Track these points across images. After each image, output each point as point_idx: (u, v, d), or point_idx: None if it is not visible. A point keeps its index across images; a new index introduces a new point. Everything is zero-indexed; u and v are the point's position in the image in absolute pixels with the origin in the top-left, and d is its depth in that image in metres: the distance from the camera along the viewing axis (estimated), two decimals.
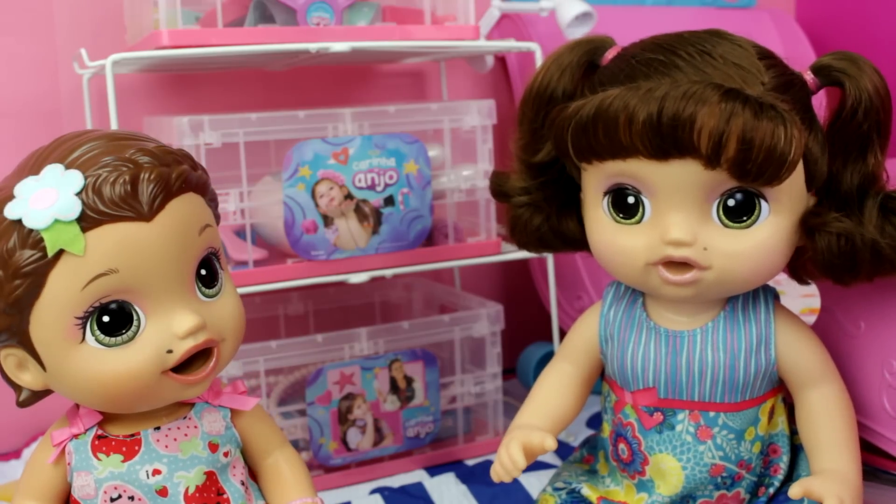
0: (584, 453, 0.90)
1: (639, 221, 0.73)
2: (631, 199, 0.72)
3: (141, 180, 0.61)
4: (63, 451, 0.68)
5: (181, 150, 0.66)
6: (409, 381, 1.07)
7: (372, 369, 1.05)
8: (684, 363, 0.76)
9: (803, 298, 1.19)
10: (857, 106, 0.71)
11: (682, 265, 0.71)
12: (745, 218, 0.70)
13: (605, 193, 0.74)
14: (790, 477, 0.79)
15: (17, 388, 0.67)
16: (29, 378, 0.65)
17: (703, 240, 0.70)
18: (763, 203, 0.70)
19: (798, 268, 0.77)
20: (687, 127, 0.65)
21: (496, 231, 1.12)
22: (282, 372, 1.11)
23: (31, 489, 0.69)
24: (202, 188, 0.66)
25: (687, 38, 0.72)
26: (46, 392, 0.67)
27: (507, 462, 0.75)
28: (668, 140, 0.66)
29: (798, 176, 0.70)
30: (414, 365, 1.07)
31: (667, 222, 0.71)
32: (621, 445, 0.80)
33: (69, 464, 0.68)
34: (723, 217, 0.70)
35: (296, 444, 1.05)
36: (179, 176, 0.63)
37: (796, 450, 0.80)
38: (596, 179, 0.74)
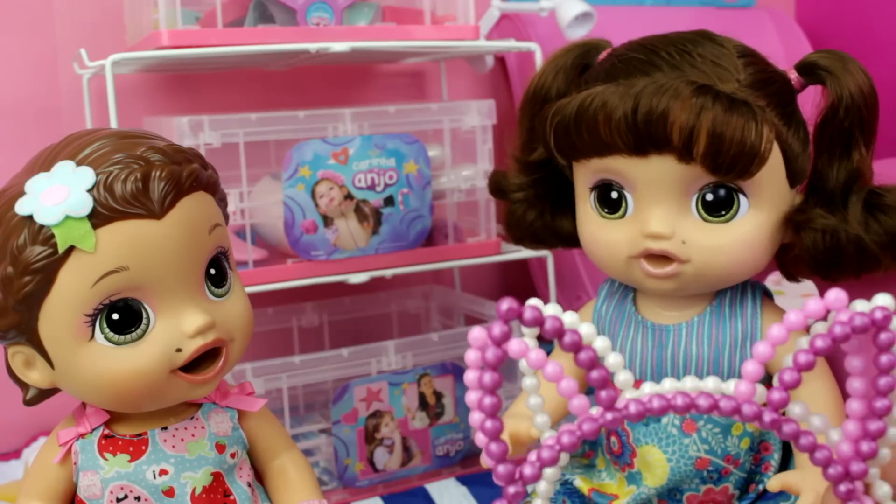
0: (586, 448, 0.90)
1: (622, 216, 0.74)
2: (614, 195, 0.74)
3: (152, 178, 0.61)
4: (69, 450, 0.67)
5: (192, 148, 0.66)
6: (438, 396, 1.05)
7: (400, 384, 1.03)
8: (669, 357, 0.77)
9: (802, 298, 1.20)
10: (839, 104, 0.72)
11: (663, 258, 0.72)
12: (723, 212, 0.71)
13: (592, 189, 0.76)
14: None
15: (25, 386, 0.67)
16: (36, 376, 0.65)
17: (681, 233, 0.72)
18: (742, 198, 0.71)
19: (787, 264, 0.78)
20: (660, 122, 0.67)
21: (496, 231, 1.12)
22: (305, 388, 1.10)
23: (36, 489, 0.68)
24: (212, 187, 0.67)
25: (671, 38, 0.74)
26: (53, 390, 0.67)
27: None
28: (643, 135, 0.68)
29: (777, 171, 0.71)
30: (444, 379, 1.05)
31: (646, 216, 0.72)
32: (613, 438, 0.81)
33: (75, 463, 0.68)
34: (702, 211, 0.72)
35: (316, 466, 1.04)
36: (190, 174, 0.63)
37: (789, 447, 0.80)
38: (583, 176, 0.76)
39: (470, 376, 0.59)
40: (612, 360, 0.62)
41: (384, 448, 1.03)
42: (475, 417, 0.59)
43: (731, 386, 0.59)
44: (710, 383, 0.60)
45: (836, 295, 0.55)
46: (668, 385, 0.61)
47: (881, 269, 0.73)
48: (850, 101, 0.72)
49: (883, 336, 0.55)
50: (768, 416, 0.57)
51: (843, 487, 0.58)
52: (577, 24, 1.20)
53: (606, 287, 0.83)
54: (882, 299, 0.55)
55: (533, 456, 0.60)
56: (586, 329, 0.61)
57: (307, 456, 0.78)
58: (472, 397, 0.59)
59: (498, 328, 0.56)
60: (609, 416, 0.58)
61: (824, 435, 0.59)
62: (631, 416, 0.58)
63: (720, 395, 0.58)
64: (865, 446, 0.57)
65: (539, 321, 0.56)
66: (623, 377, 0.61)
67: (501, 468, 0.59)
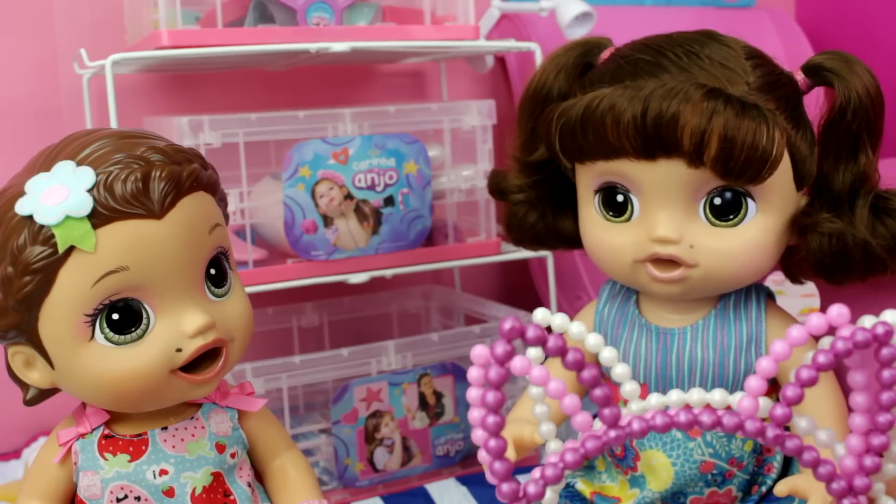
0: None
1: (628, 219, 0.74)
2: (620, 198, 0.73)
3: (152, 178, 0.61)
4: (69, 450, 0.67)
5: (192, 148, 0.66)
6: (438, 396, 1.05)
7: (400, 384, 1.03)
8: (674, 360, 0.76)
9: (803, 299, 1.20)
10: (847, 106, 0.71)
11: (670, 263, 0.72)
12: (731, 216, 0.71)
13: (596, 192, 0.75)
14: (784, 476, 0.79)
15: (25, 386, 0.67)
16: (36, 376, 0.65)
17: (689, 237, 0.71)
18: (750, 202, 0.71)
19: (791, 266, 0.78)
20: (670, 126, 0.67)
21: (496, 231, 1.12)
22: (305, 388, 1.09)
23: (36, 489, 0.68)
24: (212, 187, 0.67)
25: (676, 38, 0.73)
26: (53, 390, 0.67)
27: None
28: (652, 139, 0.68)
29: (785, 175, 0.71)
30: (444, 379, 1.05)
31: (654, 220, 0.72)
32: None
33: (75, 463, 0.67)
34: (709, 215, 0.71)
35: (316, 466, 1.04)
36: (190, 174, 0.63)
37: None
38: (587, 178, 0.75)
39: (473, 394, 0.59)
40: (619, 370, 0.62)
41: (384, 448, 1.03)
42: (478, 435, 0.59)
43: (737, 398, 0.58)
44: (717, 395, 0.59)
45: (838, 311, 0.55)
46: (675, 397, 0.61)
47: (887, 273, 0.73)
48: (858, 103, 0.71)
49: (885, 351, 0.55)
50: (771, 433, 0.56)
51: (846, 502, 0.58)
52: (577, 24, 1.20)
53: (608, 288, 0.82)
54: (888, 315, 0.55)
55: (537, 473, 0.60)
56: (593, 340, 0.61)
57: (307, 456, 0.78)
58: (475, 414, 0.59)
59: (500, 347, 0.56)
60: (612, 433, 0.58)
61: (830, 449, 0.59)
62: (634, 433, 0.58)
63: (723, 412, 0.57)
64: (869, 461, 0.57)
65: (542, 340, 0.56)
66: (629, 388, 0.61)
67: (505, 486, 0.59)
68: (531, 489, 0.59)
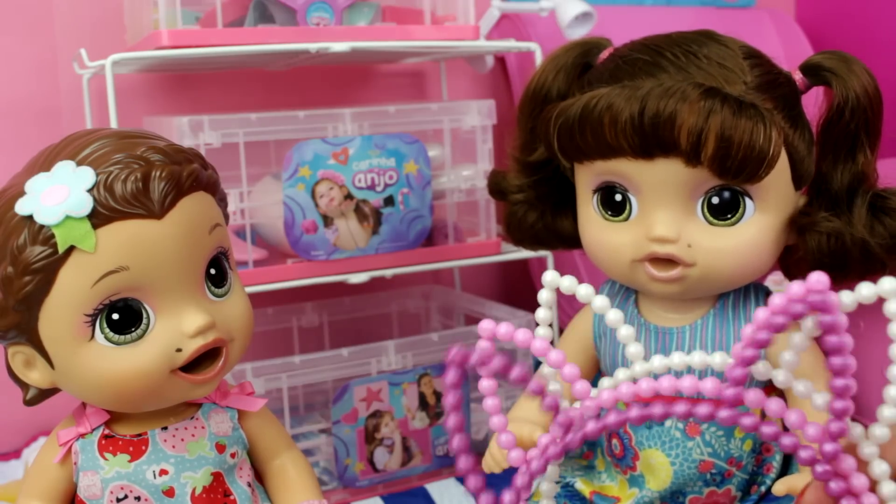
0: (584, 449, 0.90)
1: (626, 219, 0.74)
2: (618, 197, 0.74)
3: (152, 178, 0.61)
4: (69, 450, 0.67)
5: (192, 148, 0.66)
6: (438, 396, 1.05)
7: (400, 384, 1.03)
8: None
9: None
10: (845, 105, 0.72)
11: (668, 262, 0.72)
12: (729, 216, 0.71)
13: (595, 191, 0.75)
14: (783, 476, 0.79)
15: (25, 386, 0.67)
16: (37, 376, 0.65)
17: (687, 237, 0.71)
18: (748, 201, 0.71)
19: (791, 266, 0.78)
20: (668, 125, 0.67)
21: (496, 231, 1.12)
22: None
23: (36, 489, 0.69)
24: (212, 187, 0.67)
25: (675, 38, 0.73)
26: (53, 390, 0.67)
27: (496, 453, 0.76)
28: (650, 139, 0.68)
29: (783, 174, 0.71)
30: (444, 379, 1.05)
31: (652, 219, 0.72)
32: (614, 441, 0.81)
33: (75, 463, 0.68)
34: (707, 215, 0.71)
35: (316, 466, 1.04)
36: (190, 174, 0.63)
37: None
38: (586, 178, 0.76)
39: (484, 384, 0.59)
40: (624, 332, 0.63)
41: (384, 448, 1.03)
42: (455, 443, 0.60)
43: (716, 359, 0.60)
44: (718, 358, 0.60)
45: (817, 277, 0.55)
46: (658, 363, 0.61)
47: (886, 272, 0.73)
48: (856, 103, 0.71)
49: (826, 318, 0.55)
50: (725, 413, 0.57)
51: (819, 468, 0.58)
52: (577, 24, 1.20)
53: (607, 288, 0.83)
54: (863, 288, 0.56)
55: (508, 497, 0.60)
56: (600, 302, 0.62)
57: (307, 456, 0.78)
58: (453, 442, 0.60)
59: (451, 375, 0.57)
60: (568, 437, 0.60)
61: (825, 414, 0.60)
62: (588, 434, 0.58)
63: (692, 398, 0.58)
64: (834, 426, 0.57)
65: (486, 363, 0.57)
66: (634, 349, 0.63)
67: (483, 498, 0.59)
68: (506, 499, 0.60)
